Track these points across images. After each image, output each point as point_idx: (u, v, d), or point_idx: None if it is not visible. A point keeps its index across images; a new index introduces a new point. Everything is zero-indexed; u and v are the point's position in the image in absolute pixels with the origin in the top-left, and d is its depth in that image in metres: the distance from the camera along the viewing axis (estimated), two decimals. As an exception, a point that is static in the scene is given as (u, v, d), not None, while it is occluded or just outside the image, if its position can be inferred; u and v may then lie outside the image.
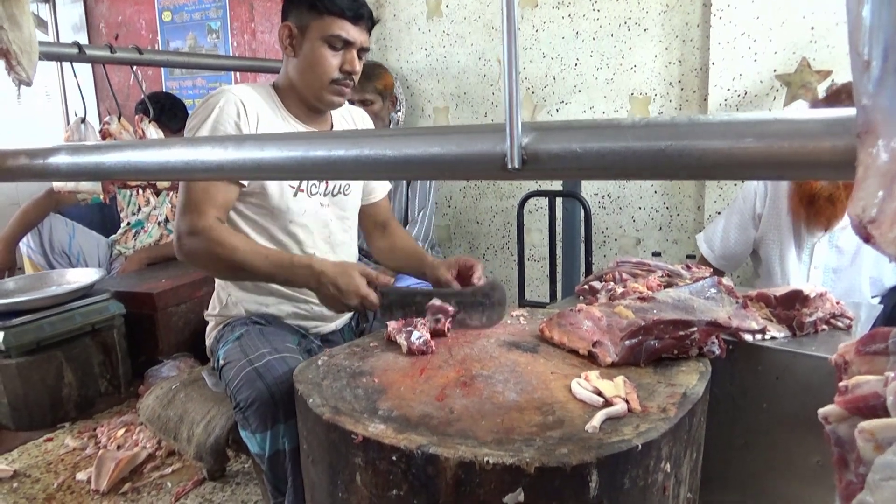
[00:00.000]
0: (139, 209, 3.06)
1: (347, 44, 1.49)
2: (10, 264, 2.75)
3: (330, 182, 1.60)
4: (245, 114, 1.45)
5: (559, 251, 2.38)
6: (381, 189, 1.83)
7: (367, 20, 1.52)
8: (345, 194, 1.65)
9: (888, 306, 1.72)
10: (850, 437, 0.74)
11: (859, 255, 1.81)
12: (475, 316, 1.38)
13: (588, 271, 2.22)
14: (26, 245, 2.86)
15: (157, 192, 2.98)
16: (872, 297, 1.83)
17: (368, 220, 1.82)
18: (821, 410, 0.80)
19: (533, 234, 2.93)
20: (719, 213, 2.39)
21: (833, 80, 2.18)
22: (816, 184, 1.72)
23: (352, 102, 2.67)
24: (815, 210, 1.74)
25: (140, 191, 2.85)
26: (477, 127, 0.66)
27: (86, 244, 2.99)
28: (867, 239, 0.46)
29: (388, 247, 1.82)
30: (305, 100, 1.55)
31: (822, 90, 2.18)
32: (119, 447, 2.05)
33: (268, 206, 1.52)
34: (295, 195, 1.54)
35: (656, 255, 2.55)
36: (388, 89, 2.73)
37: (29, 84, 1.12)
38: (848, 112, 0.50)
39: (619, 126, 0.60)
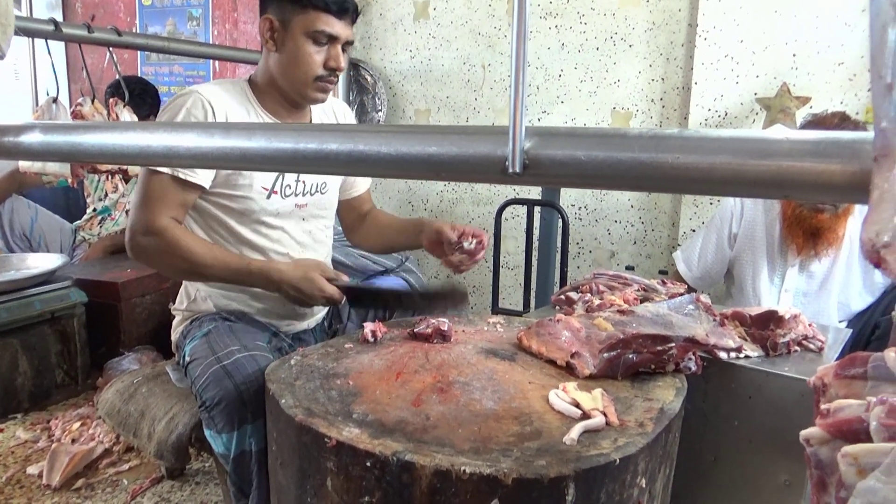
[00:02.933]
0: (106, 195, 2.97)
1: (332, 39, 1.45)
2: None
3: (307, 182, 1.56)
4: (213, 115, 1.40)
5: (535, 260, 2.37)
6: (363, 182, 1.79)
7: (351, 13, 1.48)
8: (322, 193, 1.61)
9: (856, 330, 1.76)
10: (831, 460, 0.73)
11: (829, 281, 1.84)
12: (437, 310, 1.48)
13: (563, 281, 2.22)
14: (-15, 226, 2.76)
15: (127, 179, 2.90)
16: (840, 322, 1.86)
17: (351, 213, 1.78)
18: (803, 433, 0.80)
19: (508, 241, 2.92)
20: (694, 231, 2.42)
21: (811, 107, 2.22)
22: (805, 212, 1.75)
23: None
24: (798, 234, 1.77)
25: (109, 176, 2.77)
26: (478, 128, 0.65)
27: (48, 228, 2.90)
28: (878, 263, 0.45)
29: (374, 229, 1.77)
30: (287, 96, 1.51)
31: (800, 116, 2.22)
32: (74, 441, 1.97)
33: (237, 207, 1.47)
34: (268, 197, 1.49)
35: (630, 268, 2.57)
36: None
37: (2, 57, 1.07)
38: (860, 135, 0.50)
39: (625, 136, 0.59)
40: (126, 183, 2.93)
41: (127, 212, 2.94)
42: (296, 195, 1.54)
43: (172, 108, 1.42)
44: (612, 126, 2.67)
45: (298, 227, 1.57)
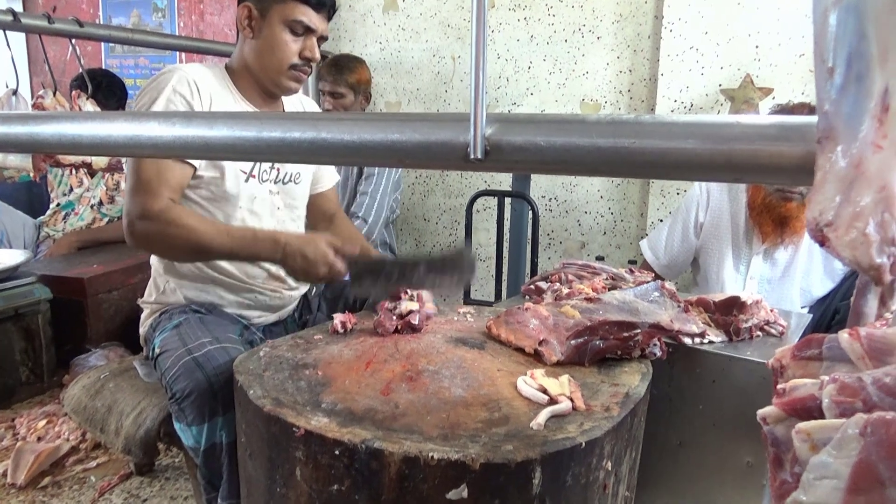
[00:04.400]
0: (71, 190, 2.91)
1: (308, 30, 1.47)
2: None
3: (281, 170, 1.55)
4: (198, 94, 1.40)
5: (506, 251, 2.39)
6: (328, 179, 1.78)
7: (328, 8, 1.50)
8: (295, 183, 1.61)
9: (816, 315, 1.80)
10: (786, 438, 0.76)
11: (791, 268, 1.89)
12: (445, 280, 1.35)
13: (534, 272, 2.24)
14: (-56, 222, 2.69)
15: (92, 174, 2.85)
16: (801, 307, 1.91)
17: (315, 210, 1.77)
18: (760, 411, 0.83)
19: (480, 233, 2.94)
20: (661, 221, 2.46)
21: (774, 97, 2.26)
22: (774, 201, 1.79)
23: (322, 93, 2.61)
24: (767, 222, 1.81)
25: (73, 171, 2.72)
26: (440, 115, 0.65)
27: (10, 224, 2.83)
28: (822, 242, 0.47)
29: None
30: (261, 83, 1.51)
31: (763, 107, 2.26)
32: (39, 439, 1.94)
33: (218, 191, 1.46)
34: (246, 180, 1.49)
35: (600, 259, 2.59)
36: (363, 84, 2.66)
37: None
38: (807, 119, 0.52)
39: (584, 122, 0.60)
40: (91, 177, 2.87)
41: (92, 206, 2.89)
42: (272, 182, 1.55)
43: (156, 85, 1.40)
44: (581, 118, 2.69)
45: (273, 216, 1.57)
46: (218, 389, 1.21)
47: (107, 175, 2.82)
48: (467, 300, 2.41)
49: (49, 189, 2.99)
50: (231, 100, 1.49)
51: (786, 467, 0.75)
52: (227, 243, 1.36)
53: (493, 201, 2.86)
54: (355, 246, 1.40)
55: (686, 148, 0.55)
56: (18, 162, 2.07)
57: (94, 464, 1.84)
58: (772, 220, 1.83)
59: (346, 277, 1.38)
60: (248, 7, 1.45)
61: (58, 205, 2.93)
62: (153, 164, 1.35)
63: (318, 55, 1.49)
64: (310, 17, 1.45)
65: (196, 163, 1.42)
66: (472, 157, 0.62)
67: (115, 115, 0.83)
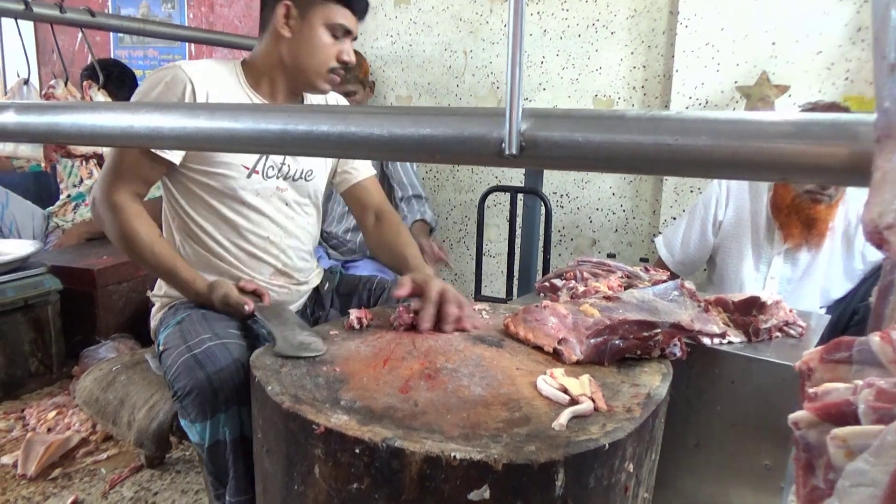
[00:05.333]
0: (81, 181, 2.91)
1: (347, 33, 1.47)
2: None
3: (291, 165, 1.53)
4: (192, 94, 1.37)
5: (517, 248, 2.37)
6: (362, 169, 1.69)
7: (364, 12, 1.51)
8: (306, 179, 1.57)
9: (835, 316, 1.79)
10: (819, 443, 0.74)
11: (812, 268, 1.87)
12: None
13: (546, 269, 2.23)
14: (-46, 212, 2.69)
15: (102, 165, 2.84)
16: (820, 308, 1.89)
17: (356, 204, 1.70)
18: (791, 416, 0.81)
19: (490, 229, 2.92)
20: (675, 219, 2.44)
21: (790, 95, 2.24)
22: (804, 202, 1.77)
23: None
24: (794, 223, 1.79)
25: (83, 162, 2.71)
26: (473, 110, 0.64)
27: (20, 214, 2.83)
28: (880, 244, 0.45)
29: (375, 240, 1.68)
30: (293, 82, 1.49)
31: (779, 104, 2.24)
32: (49, 430, 1.93)
33: (216, 185, 1.45)
34: (248, 176, 1.46)
35: (611, 256, 2.58)
36: (366, 75, 2.67)
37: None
38: (859, 117, 0.50)
39: (623, 118, 0.58)
40: (101, 168, 2.87)
41: None
42: (278, 178, 1.52)
43: (150, 82, 1.40)
44: (594, 114, 2.67)
45: (280, 212, 1.54)
46: (219, 387, 1.20)
47: None
48: (478, 297, 2.40)
49: (58, 180, 2.99)
50: (241, 96, 1.47)
51: (818, 473, 0.74)
52: (152, 265, 1.44)
53: (504, 197, 2.84)
54: (264, 293, 1.44)
55: (730, 146, 0.53)
56: (30, 152, 2.06)
57: (104, 456, 1.84)
58: (799, 222, 1.81)
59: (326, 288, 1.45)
60: (287, 6, 1.42)
61: (68, 196, 2.92)
62: (129, 156, 1.39)
63: (353, 58, 1.50)
64: (350, 20, 1.45)
65: (178, 158, 1.42)
66: (506, 152, 0.61)
67: (137, 105, 0.81)
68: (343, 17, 1.44)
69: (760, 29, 2.26)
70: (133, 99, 1.43)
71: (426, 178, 3.09)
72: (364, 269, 2.38)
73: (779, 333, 1.37)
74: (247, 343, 1.31)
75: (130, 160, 1.39)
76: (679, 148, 0.55)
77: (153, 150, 1.37)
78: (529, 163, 0.62)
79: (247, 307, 1.37)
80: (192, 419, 1.23)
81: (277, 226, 1.54)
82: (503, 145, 0.61)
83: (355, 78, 2.56)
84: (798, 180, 1.54)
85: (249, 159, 1.46)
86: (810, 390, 0.83)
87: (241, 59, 1.54)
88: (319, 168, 1.61)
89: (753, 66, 2.29)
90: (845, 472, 0.63)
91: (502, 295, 2.59)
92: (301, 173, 1.56)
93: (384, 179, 2.71)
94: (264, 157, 1.48)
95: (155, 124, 0.79)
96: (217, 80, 1.43)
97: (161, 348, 1.38)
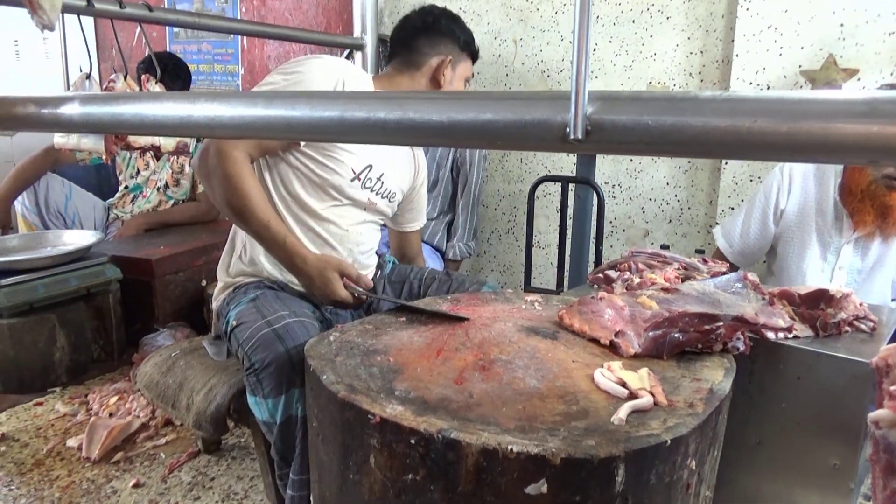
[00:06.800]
0: (138, 172, 2.99)
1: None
2: (5, 222, 2.68)
3: (384, 183, 1.60)
4: (343, 87, 1.46)
5: (568, 238, 2.33)
6: (419, 220, 1.86)
7: None
8: (389, 200, 1.65)
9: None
10: (902, 444, 0.70)
11: (884, 259, 1.77)
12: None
13: (598, 261, 2.18)
14: (21, 204, 2.79)
15: (158, 157, 2.91)
16: (893, 301, 1.80)
17: (397, 243, 1.89)
18: (871, 415, 0.77)
19: (539, 220, 2.88)
20: (733, 209, 2.36)
21: (859, 79, 2.13)
22: (879, 189, 1.68)
23: None
24: (868, 210, 1.70)
25: (141, 154, 2.78)
26: (535, 93, 0.62)
27: (82, 206, 2.92)
28: None
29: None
30: None
31: (846, 88, 2.13)
32: (111, 415, 2.00)
33: (320, 176, 1.50)
34: (352, 180, 1.53)
35: (665, 247, 2.51)
36: None
37: (51, 28, 1.06)
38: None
39: (696, 99, 0.55)
40: (158, 160, 2.94)
41: (158, 189, 2.96)
42: (372, 191, 1.58)
43: (305, 58, 1.48)
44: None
45: (363, 218, 1.61)
46: (297, 362, 1.21)
47: (172, 158, 2.87)
48: (527, 288, 2.37)
49: (117, 172, 3.08)
50: None
51: (900, 476, 0.70)
52: (259, 227, 1.41)
53: (554, 187, 2.80)
54: (369, 280, 1.49)
55: (816, 127, 0.50)
56: (92, 144, 2.12)
57: (163, 441, 1.89)
58: (873, 209, 1.71)
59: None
60: (447, 60, 1.64)
61: (126, 187, 3.01)
62: None
63: None
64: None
65: (313, 145, 1.47)
66: (570, 137, 0.58)
67: (197, 95, 0.82)
68: (470, 71, 1.73)
69: (827, 10, 2.16)
70: (286, 67, 1.47)
71: (475, 169, 3.07)
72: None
73: (848, 328, 1.30)
74: (318, 325, 1.34)
75: None
76: (759, 130, 0.52)
77: None
78: (595, 148, 0.59)
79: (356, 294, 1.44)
80: (265, 394, 1.24)
81: (357, 226, 1.59)
82: (567, 129, 0.58)
83: None
84: (891, 163, 1.46)
85: (358, 166, 1.52)
86: (891, 388, 0.78)
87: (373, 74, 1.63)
88: (398, 195, 1.68)
89: (819, 49, 2.19)
90: (933, 475, 0.59)
91: (552, 286, 2.55)
92: (388, 193, 1.63)
93: (452, 181, 2.72)
94: (368, 168, 1.53)
95: (214, 113, 0.79)
96: (359, 86, 1.52)
97: (233, 323, 1.39)
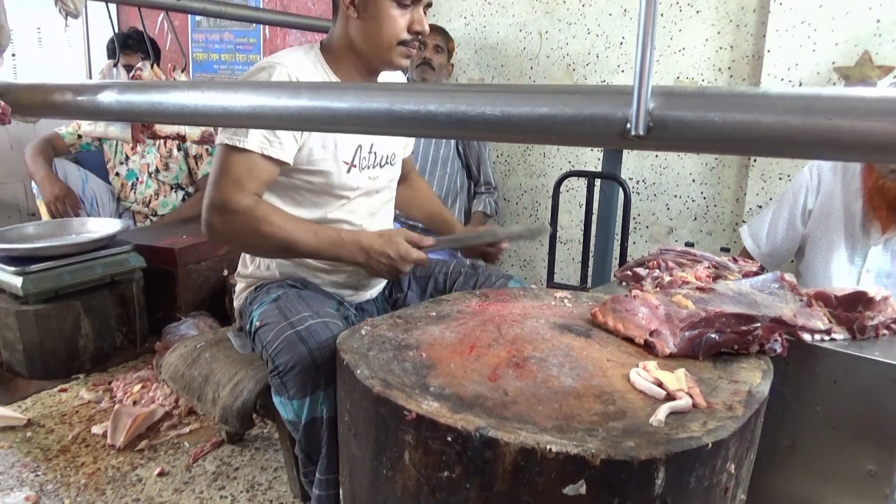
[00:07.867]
0: (127, 158, 2.93)
1: (415, 1, 1.40)
2: (74, 200, 2.68)
3: (378, 153, 1.52)
4: None
5: (593, 234, 2.31)
6: (411, 146, 1.78)
7: None
8: (391, 164, 1.58)
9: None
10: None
11: (914, 260, 1.74)
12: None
13: (623, 257, 2.16)
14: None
15: (181, 146, 2.90)
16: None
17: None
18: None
19: (562, 215, 2.86)
20: (761, 207, 2.32)
21: (895, 77, 2.09)
22: (888, 184, 1.64)
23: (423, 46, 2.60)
24: (881, 207, 1.66)
25: (165, 142, 2.76)
26: (595, 87, 0.60)
27: (98, 192, 2.92)
28: None
29: (408, 197, 1.85)
30: (368, 63, 1.46)
31: (882, 86, 2.09)
32: (135, 403, 2.01)
33: (316, 183, 1.44)
34: (348, 171, 1.46)
35: (689, 245, 2.48)
36: (451, 52, 2.78)
37: (76, 16, 1.06)
38: None
39: (767, 95, 0.53)
40: (179, 150, 2.92)
41: (150, 175, 2.92)
42: (370, 167, 1.52)
43: (252, 72, 1.39)
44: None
45: (371, 200, 1.55)
46: (321, 363, 1.20)
47: (157, 142, 2.81)
48: (550, 283, 2.35)
49: (105, 159, 2.98)
50: (323, 80, 1.46)
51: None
52: (313, 243, 1.37)
53: (577, 182, 2.78)
54: (429, 239, 1.47)
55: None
56: (119, 132, 2.12)
57: (187, 430, 1.90)
58: (885, 205, 1.68)
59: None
60: None
61: (117, 174, 2.96)
62: (247, 159, 1.32)
63: (427, 27, 1.43)
64: None
65: (292, 157, 1.38)
66: (632, 133, 0.57)
67: (239, 85, 0.81)
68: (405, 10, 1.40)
69: (864, 5, 2.11)
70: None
71: (497, 162, 3.05)
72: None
73: (886, 331, 1.28)
74: (342, 323, 1.31)
75: (244, 165, 1.32)
76: (831, 129, 0.50)
77: (271, 154, 1.33)
78: (656, 145, 0.58)
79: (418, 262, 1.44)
80: (290, 396, 1.23)
81: (368, 213, 1.55)
82: (628, 125, 0.57)
83: (444, 38, 2.66)
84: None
85: (348, 154, 1.45)
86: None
87: (318, 42, 1.53)
88: (399, 151, 1.62)
89: (854, 46, 2.15)
90: None
91: (573, 282, 2.54)
92: (386, 159, 1.56)
93: (458, 157, 2.70)
94: (359, 150, 1.47)
95: (256, 103, 0.78)
96: (311, 70, 1.43)
97: (257, 324, 1.37)
